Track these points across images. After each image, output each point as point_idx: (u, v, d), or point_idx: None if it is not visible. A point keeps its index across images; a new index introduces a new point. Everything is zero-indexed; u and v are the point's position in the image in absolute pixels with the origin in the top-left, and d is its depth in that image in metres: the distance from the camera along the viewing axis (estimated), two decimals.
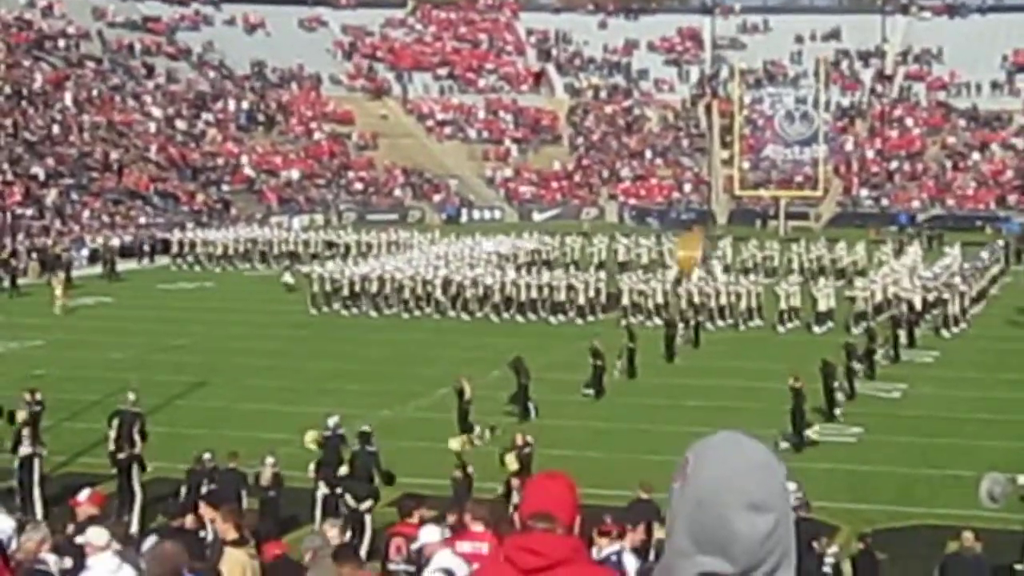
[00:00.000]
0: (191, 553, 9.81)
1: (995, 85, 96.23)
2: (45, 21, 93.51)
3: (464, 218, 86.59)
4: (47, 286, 51.27)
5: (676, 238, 61.09)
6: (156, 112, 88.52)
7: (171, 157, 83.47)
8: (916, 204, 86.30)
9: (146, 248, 67.01)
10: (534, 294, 47.33)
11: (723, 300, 45.89)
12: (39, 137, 77.41)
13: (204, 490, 21.31)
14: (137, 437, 23.89)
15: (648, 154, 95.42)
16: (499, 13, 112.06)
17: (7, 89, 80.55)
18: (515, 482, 21.44)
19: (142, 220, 72.37)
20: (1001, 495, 12.15)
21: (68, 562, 10.40)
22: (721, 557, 2.48)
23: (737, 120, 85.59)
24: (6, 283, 55.18)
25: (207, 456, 22.23)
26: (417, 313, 47.53)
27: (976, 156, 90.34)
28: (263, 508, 21.27)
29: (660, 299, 45.78)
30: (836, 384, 31.81)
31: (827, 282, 47.73)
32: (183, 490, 21.82)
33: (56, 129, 79.16)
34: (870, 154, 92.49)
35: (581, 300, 46.96)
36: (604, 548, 12.30)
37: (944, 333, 43.83)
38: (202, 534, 14.21)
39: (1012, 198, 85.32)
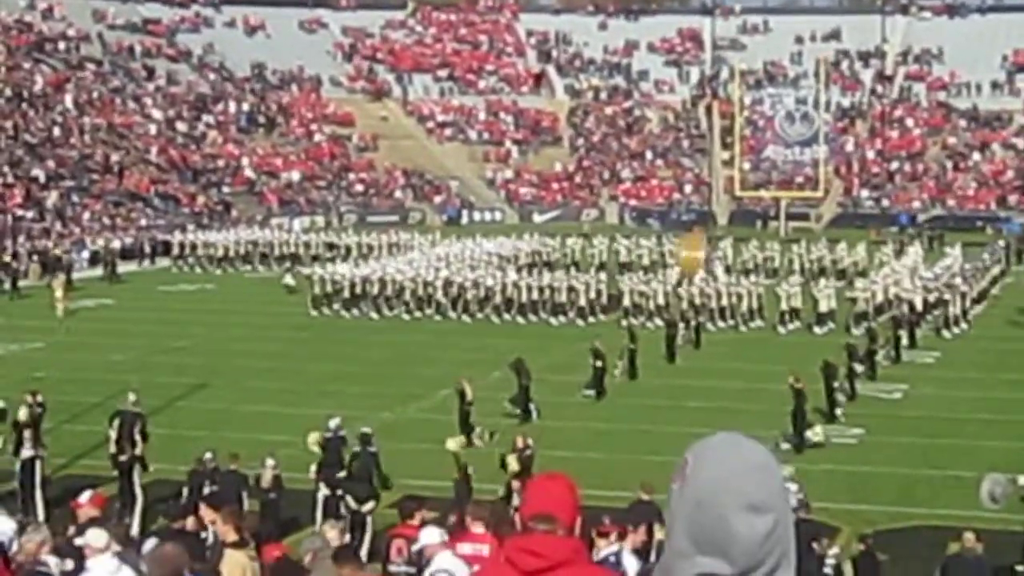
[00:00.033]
0: (192, 555, 9.82)
1: (995, 85, 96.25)
2: (45, 23, 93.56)
3: (465, 219, 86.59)
4: (48, 288, 51.26)
5: (678, 239, 60.99)
6: (156, 114, 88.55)
7: (172, 159, 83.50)
8: (917, 204, 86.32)
9: (147, 250, 67.02)
10: (535, 295, 47.33)
11: (724, 301, 45.89)
12: (39, 139, 77.43)
13: (206, 491, 21.36)
14: (138, 438, 23.88)
15: (648, 155, 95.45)
16: (499, 14, 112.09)
17: (7, 91, 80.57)
18: (516, 484, 21.43)
19: (143, 222, 72.41)
20: (1002, 496, 12.15)
21: (69, 564, 10.40)
22: (720, 558, 2.48)
23: (737, 121, 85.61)
24: (7, 285, 55.15)
25: (208, 456, 22.25)
26: (418, 314, 47.52)
27: (976, 156, 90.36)
28: (263, 510, 21.27)
29: (661, 300, 45.78)
30: (837, 385, 31.79)
31: (828, 283, 47.72)
32: (185, 491, 21.85)
33: (56, 131, 79.18)
34: (870, 155, 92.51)
35: (582, 301, 46.95)
36: (603, 549, 12.31)
37: (945, 334, 43.82)
38: (203, 536, 14.22)
39: (1013, 198, 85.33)
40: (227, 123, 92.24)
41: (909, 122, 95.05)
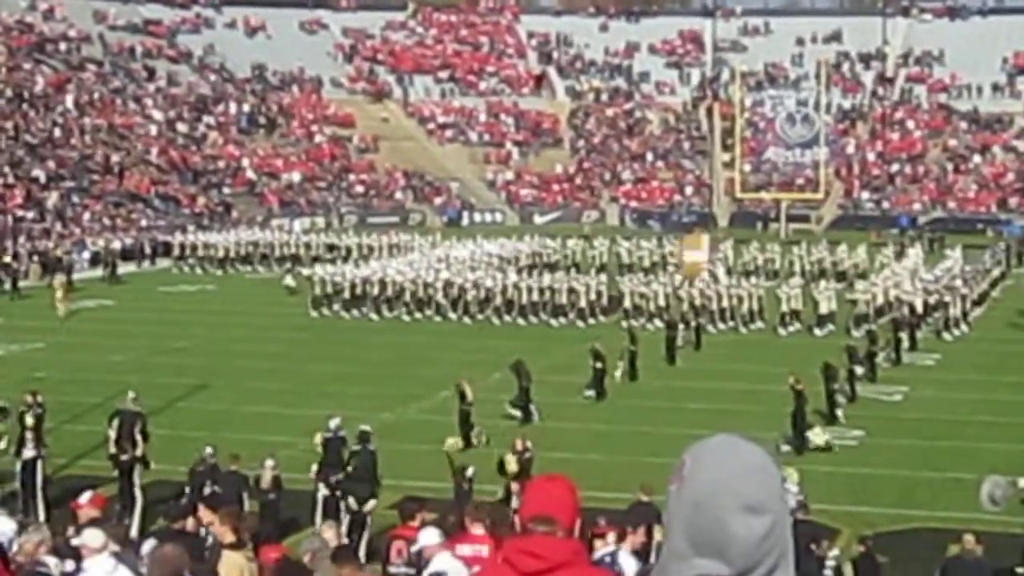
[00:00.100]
0: (192, 556, 9.82)
1: (996, 87, 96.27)
2: (46, 24, 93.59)
3: (465, 221, 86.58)
4: (48, 288, 51.27)
5: (679, 241, 60.95)
6: (157, 115, 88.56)
7: (172, 160, 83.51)
8: (917, 207, 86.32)
9: (147, 251, 67.03)
10: (535, 297, 47.33)
11: (724, 303, 45.90)
12: (40, 140, 77.44)
13: (207, 492, 21.38)
14: (139, 437, 23.87)
15: (649, 157, 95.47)
16: (500, 16, 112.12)
17: (8, 92, 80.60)
18: (515, 486, 21.44)
19: (143, 223, 72.42)
20: (1002, 498, 12.14)
21: (69, 565, 10.40)
22: (718, 559, 2.48)
23: (738, 123, 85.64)
24: (7, 286, 55.15)
25: (208, 451, 22.30)
26: (418, 316, 47.53)
27: (977, 159, 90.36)
28: (263, 511, 21.27)
29: (661, 301, 45.79)
30: (837, 387, 31.79)
31: (828, 285, 47.72)
32: (187, 490, 21.88)
33: (57, 132, 79.19)
34: (871, 156, 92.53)
35: (582, 303, 46.96)
36: (599, 550, 12.31)
37: (945, 336, 43.83)
38: (203, 536, 14.21)
39: (1013, 200, 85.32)
40: (228, 124, 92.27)
41: (910, 124, 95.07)
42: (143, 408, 25.30)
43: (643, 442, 28.25)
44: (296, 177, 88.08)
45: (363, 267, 53.29)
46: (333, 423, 23.99)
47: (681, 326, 41.50)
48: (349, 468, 22.58)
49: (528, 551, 3.67)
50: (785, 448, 27.54)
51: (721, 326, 45.13)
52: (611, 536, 13.72)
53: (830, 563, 18.34)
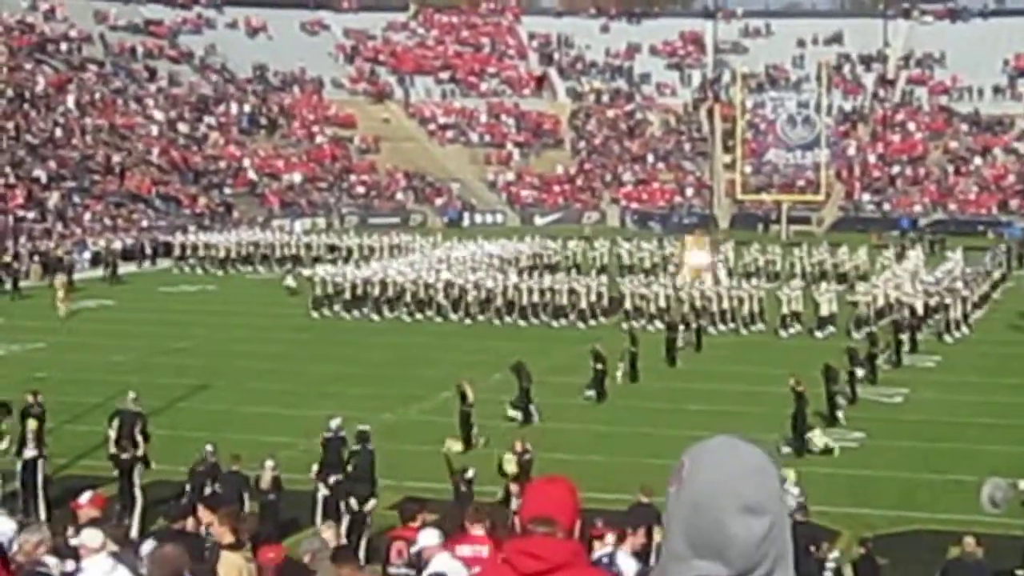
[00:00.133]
0: (192, 556, 9.82)
1: (997, 89, 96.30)
2: (47, 24, 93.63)
3: (466, 222, 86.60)
4: (49, 288, 51.28)
5: (679, 242, 60.88)
6: (158, 115, 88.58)
7: (173, 160, 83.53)
8: (918, 208, 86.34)
9: (148, 251, 67.03)
10: (536, 298, 47.32)
11: (725, 304, 45.90)
12: (41, 140, 77.46)
13: (208, 491, 21.40)
14: (140, 438, 23.88)
15: (650, 158, 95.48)
16: (501, 17, 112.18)
17: (9, 92, 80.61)
18: (514, 488, 21.44)
19: (144, 223, 72.42)
20: (1003, 500, 12.14)
21: (70, 565, 10.40)
22: (717, 561, 2.48)
23: (739, 124, 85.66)
24: (8, 286, 55.15)
25: (209, 449, 22.33)
26: (419, 316, 47.53)
27: (978, 161, 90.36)
28: (263, 511, 21.28)
29: (662, 303, 45.78)
30: (837, 388, 31.79)
31: (829, 287, 47.71)
32: (187, 488, 21.91)
33: (58, 132, 79.20)
34: (872, 158, 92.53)
35: (583, 304, 46.95)
36: (596, 551, 12.31)
37: (946, 338, 43.83)
38: (203, 536, 14.21)
39: (1014, 203, 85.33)
40: (229, 124, 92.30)
41: (911, 126, 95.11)
42: (143, 408, 25.30)
43: (643, 443, 28.24)
44: (297, 178, 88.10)
45: (364, 268, 53.29)
46: (334, 423, 24.00)
47: (681, 327, 41.50)
48: (349, 469, 22.59)
49: (528, 552, 3.67)
50: (786, 450, 27.53)
51: (722, 328, 45.13)
52: (610, 537, 13.72)
53: (830, 565, 18.34)
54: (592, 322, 46.18)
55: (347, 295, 48.78)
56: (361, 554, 19.13)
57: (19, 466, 23.58)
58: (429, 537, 11.30)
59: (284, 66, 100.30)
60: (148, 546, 11.06)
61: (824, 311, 44.77)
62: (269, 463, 22.47)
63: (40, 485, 23.38)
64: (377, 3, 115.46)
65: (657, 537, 15.25)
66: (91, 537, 10.05)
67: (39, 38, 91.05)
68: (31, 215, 67.94)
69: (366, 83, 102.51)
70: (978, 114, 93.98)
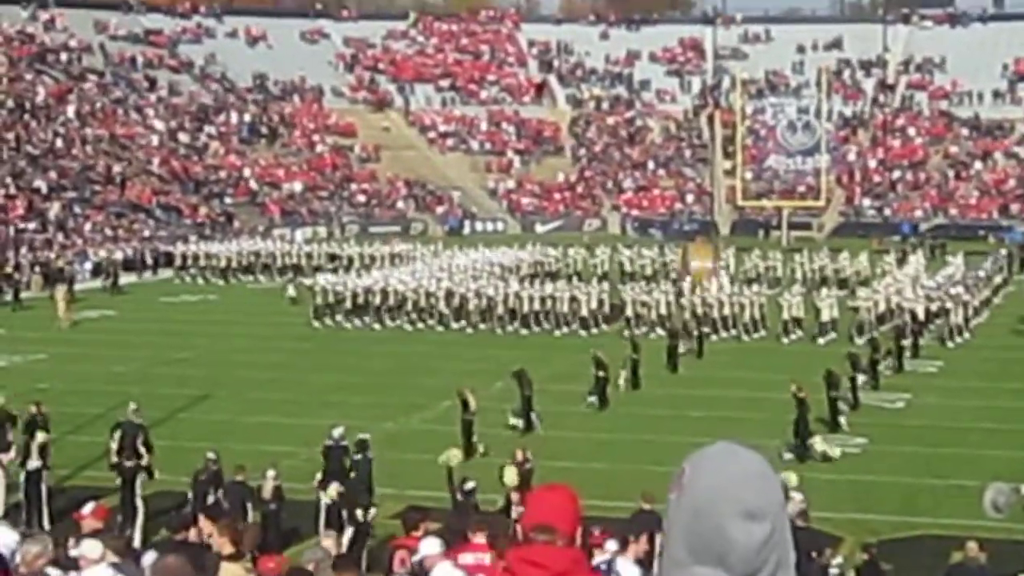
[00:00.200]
0: (195, 566, 9.80)
1: (997, 94, 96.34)
2: (47, 34, 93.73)
3: (467, 230, 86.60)
4: (50, 300, 51.29)
5: (680, 249, 60.79)
6: (158, 125, 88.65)
7: (174, 170, 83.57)
8: (919, 214, 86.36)
9: (149, 261, 67.03)
10: (537, 306, 47.30)
11: (726, 310, 45.88)
12: (42, 150, 77.52)
13: (210, 500, 21.42)
14: (143, 449, 23.90)
15: (650, 165, 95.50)
16: (501, 25, 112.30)
17: (10, 103, 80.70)
18: (515, 496, 21.43)
19: (145, 233, 72.44)
20: (1005, 505, 12.10)
21: None
22: (718, 567, 2.48)
23: (739, 130, 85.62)
24: (9, 297, 55.14)
25: (211, 457, 22.36)
26: (420, 325, 47.53)
27: (978, 165, 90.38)
28: (264, 521, 21.27)
29: (663, 310, 45.77)
30: (839, 394, 31.77)
31: (830, 292, 47.68)
32: (190, 495, 21.92)
33: (59, 142, 79.28)
34: (872, 164, 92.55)
35: (584, 311, 46.93)
36: (595, 559, 12.30)
37: (947, 343, 43.80)
38: (205, 546, 14.20)
39: (1015, 207, 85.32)
40: (229, 134, 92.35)
41: (911, 131, 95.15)
42: (145, 419, 25.31)
43: (645, 450, 28.23)
44: (298, 187, 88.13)
45: (365, 277, 53.26)
46: (336, 432, 24.02)
47: (683, 334, 41.52)
48: (349, 477, 22.62)
49: (529, 560, 3.67)
50: (788, 456, 27.51)
51: (723, 334, 45.12)
52: (611, 545, 13.71)
53: (834, 571, 18.31)
54: (594, 329, 46.16)
55: (348, 304, 48.78)
56: (362, 564, 19.10)
57: (23, 477, 23.59)
58: (430, 546, 11.29)
59: (284, 75, 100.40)
60: (150, 557, 11.04)
61: (825, 317, 44.76)
62: (271, 473, 22.48)
63: (44, 496, 23.39)
64: (377, 12, 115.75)
65: (660, 544, 15.21)
66: (91, 548, 10.04)
67: (39, 48, 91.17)
68: (32, 226, 67.98)
69: (366, 92, 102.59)
70: (978, 119, 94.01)
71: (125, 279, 61.55)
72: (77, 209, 72.44)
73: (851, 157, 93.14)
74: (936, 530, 23.27)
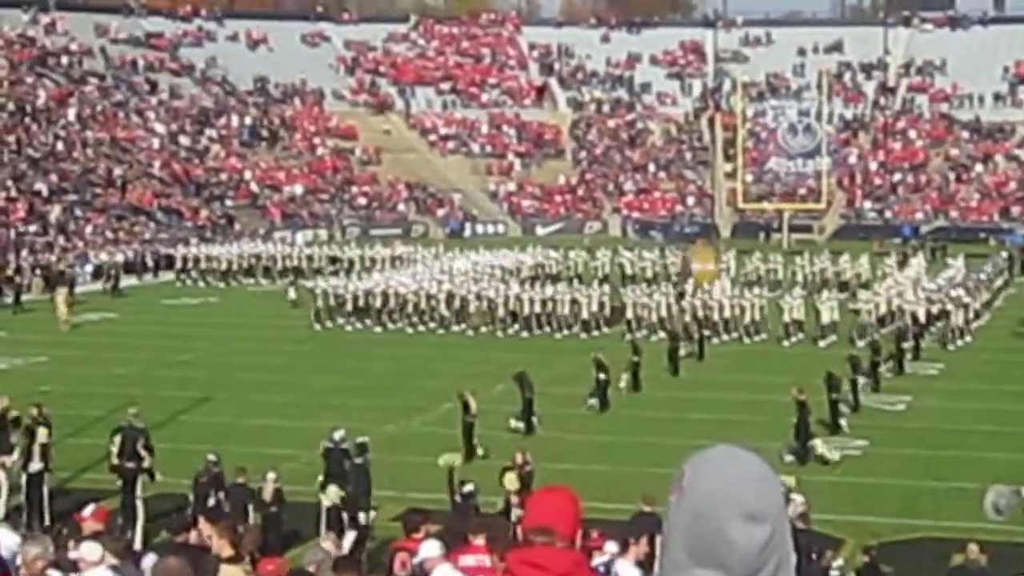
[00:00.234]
0: (195, 568, 9.80)
1: (998, 97, 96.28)
2: (48, 38, 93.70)
3: (468, 232, 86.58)
4: (51, 302, 51.28)
5: (686, 251, 60.74)
6: (159, 128, 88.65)
7: (174, 173, 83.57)
8: (920, 216, 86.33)
9: (150, 264, 67.04)
10: (538, 308, 47.30)
11: (727, 313, 45.87)
12: (43, 153, 77.51)
13: (211, 501, 21.43)
14: (144, 453, 23.92)
15: (651, 167, 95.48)
16: (502, 28, 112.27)
17: (11, 106, 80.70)
18: (514, 499, 21.43)
19: (146, 236, 72.44)
20: (1006, 507, 12.10)
21: None
22: (718, 570, 2.48)
23: (740, 133, 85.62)
24: (10, 300, 55.13)
25: (212, 459, 22.38)
26: (421, 328, 47.53)
27: (979, 168, 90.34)
28: (265, 524, 21.27)
29: (664, 312, 45.77)
30: (840, 397, 31.77)
31: (831, 295, 47.65)
32: (191, 497, 21.92)
33: (60, 145, 79.27)
34: (873, 166, 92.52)
35: (585, 314, 46.93)
36: (592, 560, 12.28)
37: (948, 345, 43.78)
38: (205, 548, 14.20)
39: (1016, 210, 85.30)
40: (230, 137, 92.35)
41: (912, 134, 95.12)
42: (145, 422, 25.34)
43: (646, 453, 28.22)
44: (298, 189, 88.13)
45: (366, 279, 53.26)
46: (337, 434, 24.03)
47: (684, 337, 41.53)
48: (349, 480, 22.65)
49: (530, 562, 3.67)
50: (789, 458, 27.51)
51: (724, 337, 45.11)
52: (612, 547, 13.69)
53: (834, 573, 18.32)
54: (595, 332, 46.15)
55: (349, 307, 48.78)
56: (362, 566, 19.10)
57: (24, 480, 23.59)
58: (430, 548, 11.28)
59: (285, 78, 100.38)
60: (150, 559, 11.04)
61: (826, 319, 44.74)
62: (271, 475, 22.49)
63: (46, 499, 23.39)
64: (378, 14, 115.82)
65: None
66: (90, 550, 10.04)
67: (40, 52, 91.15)
68: (33, 229, 67.97)
69: (367, 94, 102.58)
70: (979, 121, 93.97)
71: (126, 282, 61.56)
72: (78, 212, 72.44)
73: (852, 160, 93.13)
74: (937, 532, 23.28)
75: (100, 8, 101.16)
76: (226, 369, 40.26)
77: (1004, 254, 65.28)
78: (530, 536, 4.33)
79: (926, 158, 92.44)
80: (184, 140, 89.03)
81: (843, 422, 31.33)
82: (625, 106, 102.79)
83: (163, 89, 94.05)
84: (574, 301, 47.42)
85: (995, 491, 12.51)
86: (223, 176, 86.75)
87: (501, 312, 47.42)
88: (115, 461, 23.89)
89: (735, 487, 2.50)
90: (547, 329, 46.71)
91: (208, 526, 13.48)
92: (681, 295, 47.93)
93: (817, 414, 29.95)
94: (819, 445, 28.60)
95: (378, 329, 47.74)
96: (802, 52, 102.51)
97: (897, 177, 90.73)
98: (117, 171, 79.14)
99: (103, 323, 51.39)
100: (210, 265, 64.56)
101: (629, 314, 46.24)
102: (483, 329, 47.02)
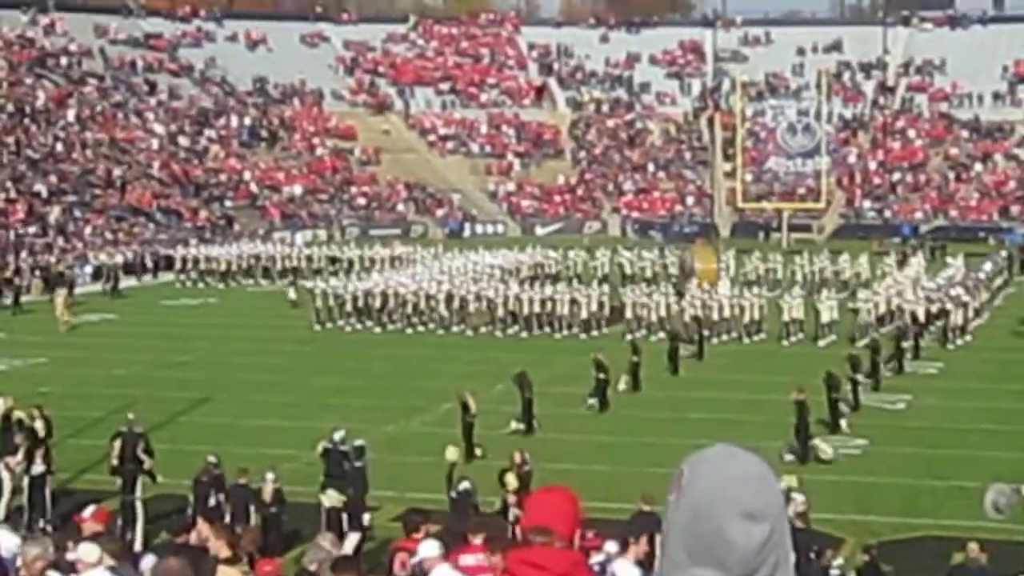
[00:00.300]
0: (196, 569, 9.80)
1: (997, 96, 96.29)
2: (47, 39, 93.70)
3: (467, 232, 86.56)
4: (50, 304, 51.28)
5: (685, 252, 60.70)
6: (159, 129, 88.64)
7: (174, 173, 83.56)
8: (919, 215, 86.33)
9: (149, 264, 67.04)
10: (537, 308, 47.30)
11: (727, 313, 45.86)
12: (42, 154, 77.51)
13: (211, 502, 21.43)
14: (144, 456, 23.93)
15: (650, 167, 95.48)
16: (501, 28, 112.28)
17: (10, 107, 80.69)
18: (512, 498, 21.43)
19: (145, 237, 72.44)
20: (1006, 506, 12.10)
21: None
22: (716, 568, 2.48)
23: (739, 132, 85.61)
24: (9, 301, 55.11)
25: (212, 460, 22.38)
26: (420, 328, 47.54)
27: (979, 167, 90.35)
28: (265, 524, 21.28)
29: (663, 312, 45.76)
30: (839, 396, 31.77)
31: (830, 294, 47.64)
32: (191, 498, 21.93)
33: (59, 146, 79.26)
34: (872, 166, 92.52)
35: (584, 314, 46.93)
36: (589, 559, 12.28)
37: (948, 344, 43.78)
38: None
39: (1015, 209, 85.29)
40: (229, 137, 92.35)
41: (911, 133, 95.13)
42: (144, 425, 25.39)
43: (646, 453, 28.22)
44: (298, 190, 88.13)
45: (365, 279, 53.25)
46: (337, 435, 24.02)
47: (683, 336, 41.53)
48: (348, 481, 22.67)
49: (530, 562, 3.67)
50: (788, 458, 27.51)
51: (724, 336, 45.11)
52: (610, 546, 13.70)
53: (834, 572, 18.32)
54: (594, 332, 46.16)
55: (348, 307, 48.78)
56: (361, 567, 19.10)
57: (26, 482, 23.59)
58: (429, 548, 11.28)
59: (284, 78, 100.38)
60: (149, 560, 11.04)
61: (825, 319, 44.75)
62: (270, 475, 22.50)
63: (48, 501, 23.40)
64: (377, 15, 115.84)
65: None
66: (88, 551, 10.03)
67: (39, 52, 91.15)
68: (32, 230, 67.95)
69: (366, 95, 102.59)
70: (978, 120, 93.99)
71: (125, 283, 61.57)
72: (77, 213, 72.43)
73: (851, 159, 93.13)
74: (937, 531, 23.28)
75: (99, 9, 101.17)
76: (226, 370, 40.27)
77: (1003, 253, 65.27)
78: (529, 536, 4.33)
79: (925, 157, 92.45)
80: (183, 141, 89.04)
81: (843, 422, 31.32)
82: (624, 106, 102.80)
83: (162, 90, 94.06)
84: (573, 301, 47.41)
85: (995, 490, 12.51)
86: (222, 177, 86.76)
87: (500, 312, 47.43)
88: (115, 461, 23.90)
89: (734, 486, 2.49)
90: (546, 329, 46.72)
91: (206, 527, 13.48)
92: (680, 295, 47.91)
93: (817, 414, 29.95)
94: (818, 443, 28.62)
95: (377, 329, 47.74)
96: (801, 52, 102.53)
97: (896, 176, 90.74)
98: (116, 172, 79.14)
99: (102, 324, 51.39)
100: (209, 266, 64.55)
101: (628, 314, 46.24)
102: (482, 329, 47.03)
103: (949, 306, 44.87)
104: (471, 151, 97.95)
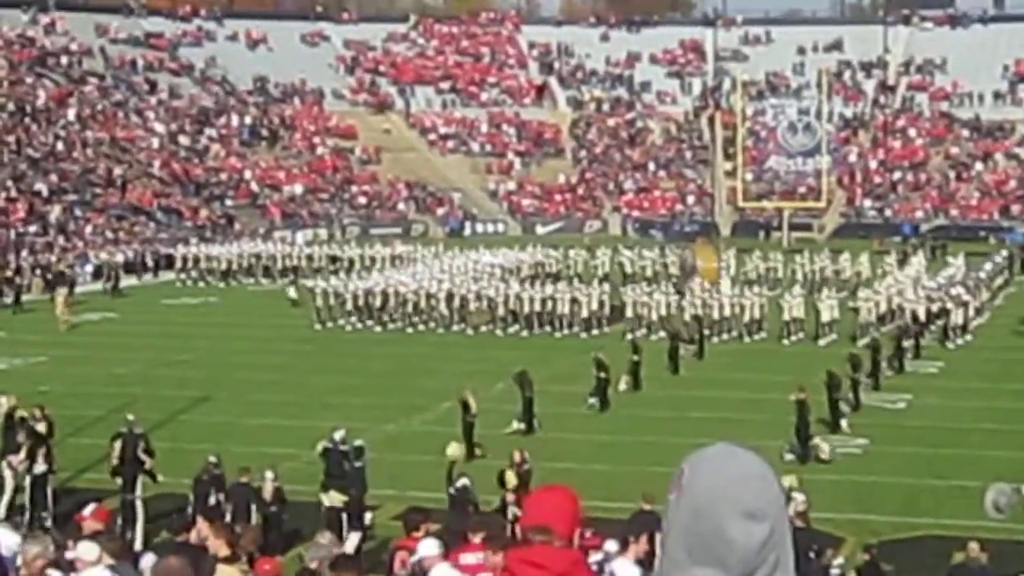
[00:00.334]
0: (196, 568, 9.79)
1: (997, 95, 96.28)
2: (48, 38, 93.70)
3: (467, 231, 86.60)
4: (51, 303, 51.28)
5: (685, 251, 60.68)
6: (159, 128, 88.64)
7: (174, 172, 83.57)
8: (919, 215, 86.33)
9: (150, 263, 67.04)
10: (538, 307, 47.29)
11: (727, 312, 45.85)
12: (42, 154, 77.51)
13: (211, 501, 21.43)
14: (145, 456, 23.93)
15: (651, 166, 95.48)
16: (501, 27, 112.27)
17: (10, 106, 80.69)
18: (510, 497, 21.44)
19: (146, 235, 72.44)
20: (1007, 505, 12.10)
21: None
22: (716, 567, 2.47)
23: (740, 132, 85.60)
24: (10, 300, 55.12)
25: (212, 460, 22.38)
26: (421, 327, 47.53)
27: (979, 166, 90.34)
28: (266, 523, 21.27)
29: (664, 311, 45.75)
30: (840, 395, 31.77)
31: (831, 293, 47.64)
32: (191, 497, 21.93)
33: (59, 145, 79.26)
34: (873, 165, 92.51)
35: (585, 313, 46.93)
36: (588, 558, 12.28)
37: (948, 344, 43.78)
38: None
39: (1016, 208, 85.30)
40: (230, 136, 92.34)
41: (912, 132, 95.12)
42: (144, 424, 25.40)
43: (646, 452, 28.21)
44: (298, 189, 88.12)
45: (366, 278, 53.24)
46: (338, 435, 24.01)
47: (684, 336, 41.52)
48: (348, 481, 22.68)
49: (529, 560, 3.67)
50: (789, 457, 27.51)
51: (724, 335, 45.10)
52: (611, 545, 13.69)
53: (835, 571, 18.31)
54: (594, 331, 46.15)
55: (349, 306, 48.79)
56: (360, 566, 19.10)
57: (28, 481, 23.59)
58: (429, 547, 11.28)
59: (285, 78, 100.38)
60: (149, 559, 11.03)
61: (825, 318, 44.74)
62: (269, 474, 22.49)
63: (49, 500, 23.40)
64: (377, 14, 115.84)
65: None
66: (87, 550, 10.02)
67: (40, 52, 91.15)
68: (33, 229, 67.96)
69: (367, 94, 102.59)
70: (979, 120, 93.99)
71: (126, 282, 61.56)
72: (78, 212, 72.45)
73: (852, 158, 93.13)
74: (937, 531, 23.27)
75: (100, 8, 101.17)
76: (226, 368, 40.27)
77: (1004, 252, 65.24)
78: (529, 535, 4.32)
79: (926, 156, 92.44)
80: (184, 140, 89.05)
81: (843, 421, 31.32)
82: (625, 105, 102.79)
83: (163, 89, 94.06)
84: (574, 300, 47.40)
85: (996, 489, 12.51)
86: (223, 176, 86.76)
87: (501, 311, 47.42)
88: (115, 461, 23.91)
89: (734, 485, 2.49)
90: (547, 328, 46.71)
91: (205, 525, 13.48)
92: (681, 294, 47.90)
93: (817, 413, 29.94)
94: (818, 442, 28.62)
95: (378, 328, 47.74)
96: (802, 51, 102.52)
97: (897, 175, 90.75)
98: (117, 171, 79.15)
99: (103, 323, 51.40)
100: (210, 265, 64.56)
101: (629, 313, 46.23)
102: (483, 328, 47.03)
103: (950, 305, 44.86)
104: (472, 150, 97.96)
